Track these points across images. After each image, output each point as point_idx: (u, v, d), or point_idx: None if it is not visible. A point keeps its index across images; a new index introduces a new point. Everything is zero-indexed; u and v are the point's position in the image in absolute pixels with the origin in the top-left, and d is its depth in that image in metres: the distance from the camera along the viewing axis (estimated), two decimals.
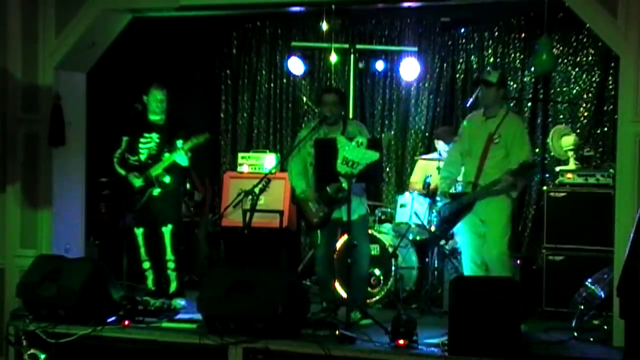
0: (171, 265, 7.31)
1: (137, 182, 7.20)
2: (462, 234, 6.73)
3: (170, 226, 7.27)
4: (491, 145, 6.47)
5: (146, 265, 7.38)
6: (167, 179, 7.20)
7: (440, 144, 8.03)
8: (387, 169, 9.19)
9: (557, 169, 7.53)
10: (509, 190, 6.43)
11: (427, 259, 7.67)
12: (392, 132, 9.19)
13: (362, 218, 6.93)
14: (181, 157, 7.10)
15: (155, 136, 7.24)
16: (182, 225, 7.76)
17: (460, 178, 6.80)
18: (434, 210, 7.46)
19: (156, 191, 7.20)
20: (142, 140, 7.26)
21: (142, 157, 7.26)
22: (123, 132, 7.32)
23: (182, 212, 7.81)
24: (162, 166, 7.17)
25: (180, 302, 7.22)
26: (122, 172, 7.28)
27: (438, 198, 6.87)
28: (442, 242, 7.43)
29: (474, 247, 6.60)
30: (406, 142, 9.22)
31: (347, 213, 6.49)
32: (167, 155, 7.16)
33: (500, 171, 6.39)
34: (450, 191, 6.71)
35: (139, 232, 7.32)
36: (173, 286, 7.33)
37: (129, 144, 7.28)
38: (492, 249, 6.46)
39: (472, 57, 8.97)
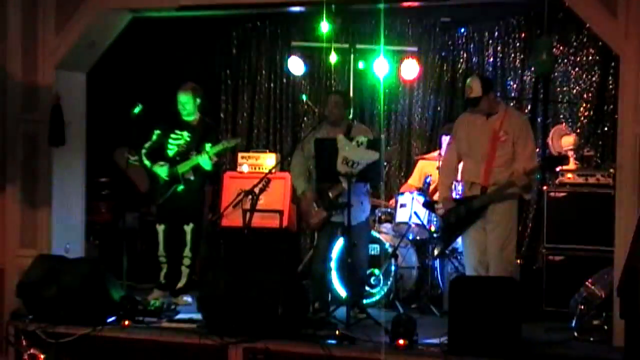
0: (187, 262, 7.46)
1: (163, 171, 7.28)
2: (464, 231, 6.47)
3: (192, 225, 7.41)
4: (498, 144, 6.23)
5: (162, 260, 7.51)
6: (192, 178, 7.33)
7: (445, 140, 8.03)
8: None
9: (557, 169, 7.51)
10: (523, 192, 6.20)
11: (427, 260, 7.67)
12: (397, 145, 9.02)
13: (362, 225, 6.92)
14: (205, 161, 7.23)
15: (186, 134, 7.42)
16: (203, 224, 7.88)
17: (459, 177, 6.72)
18: (434, 218, 7.37)
19: (180, 188, 7.29)
20: (172, 136, 7.43)
21: (171, 152, 7.42)
22: (156, 125, 7.46)
23: (203, 211, 7.92)
24: (189, 164, 7.31)
25: (186, 299, 7.33)
26: (148, 163, 7.40)
27: (439, 205, 6.71)
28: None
29: (476, 243, 6.31)
30: (406, 142, 9.20)
31: (347, 217, 6.50)
32: (194, 155, 7.26)
33: (508, 170, 6.20)
34: (454, 196, 6.56)
35: (160, 228, 7.46)
36: (182, 282, 7.46)
37: (158, 138, 7.42)
38: (496, 256, 6.23)
39: (472, 57, 8.97)
